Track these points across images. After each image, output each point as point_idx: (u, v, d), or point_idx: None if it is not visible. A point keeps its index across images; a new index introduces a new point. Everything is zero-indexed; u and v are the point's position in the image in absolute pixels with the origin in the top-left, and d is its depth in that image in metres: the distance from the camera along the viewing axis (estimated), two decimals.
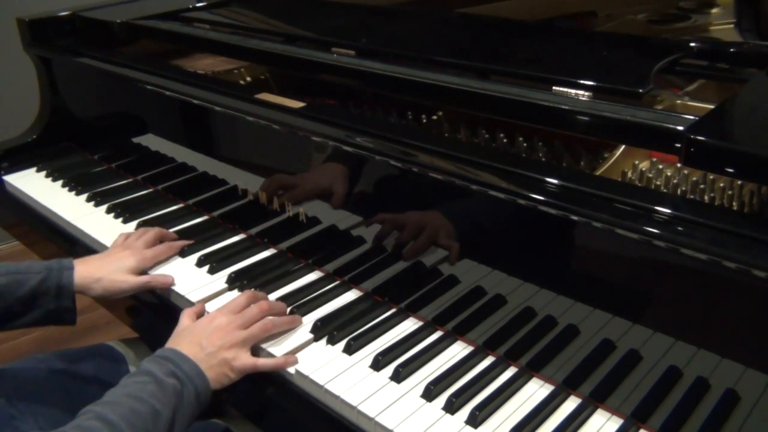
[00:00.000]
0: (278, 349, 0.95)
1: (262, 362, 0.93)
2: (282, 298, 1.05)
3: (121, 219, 1.33)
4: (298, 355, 0.94)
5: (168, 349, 0.90)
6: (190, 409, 0.85)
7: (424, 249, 0.97)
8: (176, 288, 1.10)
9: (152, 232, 1.20)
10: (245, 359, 0.92)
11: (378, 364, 0.91)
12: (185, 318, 0.99)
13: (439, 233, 0.96)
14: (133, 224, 1.31)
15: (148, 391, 0.81)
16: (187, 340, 0.92)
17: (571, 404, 0.85)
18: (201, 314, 1.01)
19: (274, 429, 0.99)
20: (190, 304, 1.07)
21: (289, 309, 1.03)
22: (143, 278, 1.11)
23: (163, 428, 0.80)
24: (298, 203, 1.14)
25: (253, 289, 1.06)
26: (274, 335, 0.97)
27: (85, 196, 1.43)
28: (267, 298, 1.04)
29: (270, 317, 0.98)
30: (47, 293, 1.05)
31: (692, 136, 0.73)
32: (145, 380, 0.83)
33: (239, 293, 1.08)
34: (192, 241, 1.22)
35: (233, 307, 0.98)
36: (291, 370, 0.92)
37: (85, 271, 1.08)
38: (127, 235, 1.20)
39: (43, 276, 1.04)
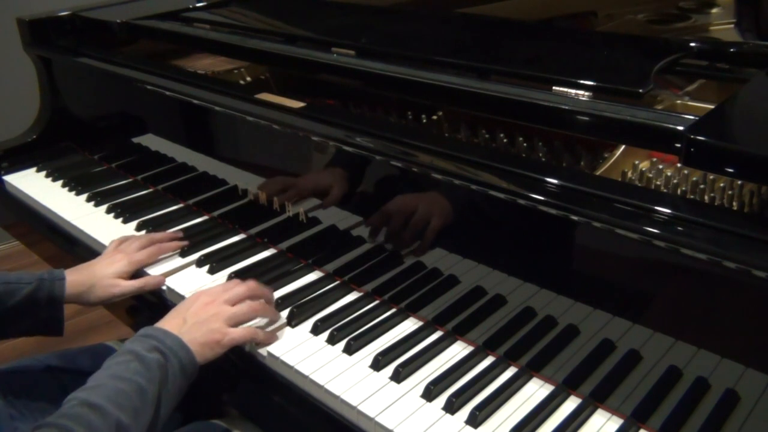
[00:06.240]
0: (278, 349, 0.95)
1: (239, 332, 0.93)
2: (282, 298, 1.05)
3: (121, 219, 1.33)
4: (298, 354, 0.94)
5: (149, 327, 0.91)
6: (176, 382, 0.85)
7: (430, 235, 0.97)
8: (176, 288, 1.10)
9: (146, 236, 1.20)
10: (231, 332, 0.92)
11: (378, 364, 0.91)
12: None
13: (435, 216, 0.95)
14: (133, 224, 1.31)
15: (132, 369, 0.81)
16: (170, 317, 0.94)
17: (571, 404, 0.85)
18: None
19: (274, 429, 0.99)
20: None
21: (288, 309, 1.03)
22: (136, 283, 1.11)
23: (151, 403, 0.80)
24: (298, 202, 1.14)
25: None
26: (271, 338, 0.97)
27: (85, 196, 1.43)
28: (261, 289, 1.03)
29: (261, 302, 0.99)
30: (39, 304, 1.04)
31: (692, 136, 0.73)
32: (127, 359, 0.83)
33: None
34: (186, 243, 1.21)
35: (219, 286, 0.99)
36: (291, 370, 0.92)
37: (76, 280, 1.08)
38: (121, 240, 1.19)
39: (35, 286, 1.04)
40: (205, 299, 0.95)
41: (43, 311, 1.05)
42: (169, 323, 0.92)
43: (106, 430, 0.75)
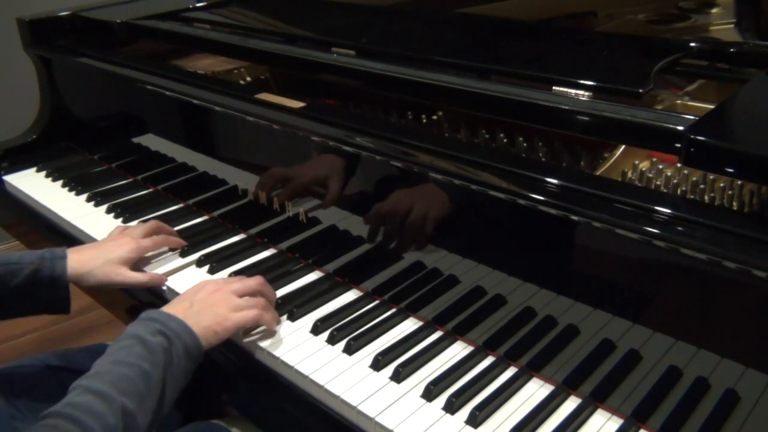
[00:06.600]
0: (278, 349, 0.95)
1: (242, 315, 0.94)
2: (282, 298, 1.05)
3: (121, 219, 1.33)
4: (298, 354, 0.94)
5: (153, 310, 0.90)
6: (181, 365, 0.84)
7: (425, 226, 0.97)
8: (176, 288, 1.10)
9: (151, 222, 1.19)
10: (234, 315, 0.92)
11: (378, 364, 0.91)
12: None
13: (434, 210, 0.96)
14: (133, 224, 1.31)
15: (136, 354, 0.81)
16: (177, 301, 0.94)
17: (571, 404, 0.85)
18: None
19: (274, 429, 0.99)
20: None
21: (288, 309, 1.03)
22: (142, 277, 1.10)
23: (156, 388, 0.80)
24: (297, 201, 1.14)
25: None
26: (270, 335, 0.98)
27: (85, 196, 1.43)
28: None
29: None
30: (40, 283, 1.04)
31: (692, 136, 0.73)
32: (130, 343, 0.82)
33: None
34: (186, 243, 1.21)
35: (228, 278, 1.00)
36: (291, 370, 0.92)
37: (77, 261, 1.07)
38: (125, 227, 1.20)
39: (36, 266, 1.03)
40: (212, 287, 0.96)
41: (45, 291, 1.04)
42: (175, 308, 0.92)
43: (112, 416, 0.74)
